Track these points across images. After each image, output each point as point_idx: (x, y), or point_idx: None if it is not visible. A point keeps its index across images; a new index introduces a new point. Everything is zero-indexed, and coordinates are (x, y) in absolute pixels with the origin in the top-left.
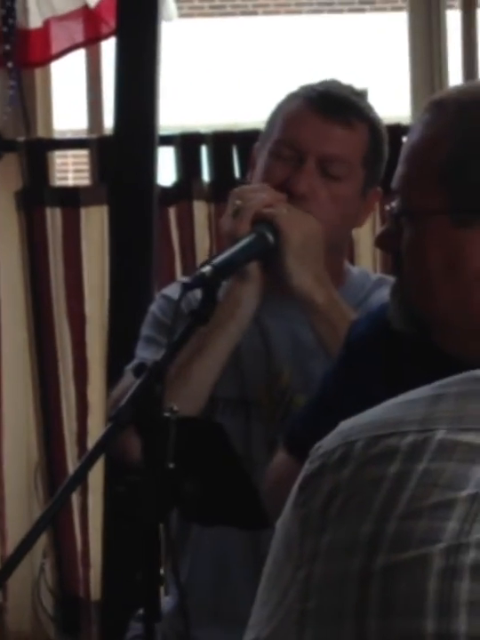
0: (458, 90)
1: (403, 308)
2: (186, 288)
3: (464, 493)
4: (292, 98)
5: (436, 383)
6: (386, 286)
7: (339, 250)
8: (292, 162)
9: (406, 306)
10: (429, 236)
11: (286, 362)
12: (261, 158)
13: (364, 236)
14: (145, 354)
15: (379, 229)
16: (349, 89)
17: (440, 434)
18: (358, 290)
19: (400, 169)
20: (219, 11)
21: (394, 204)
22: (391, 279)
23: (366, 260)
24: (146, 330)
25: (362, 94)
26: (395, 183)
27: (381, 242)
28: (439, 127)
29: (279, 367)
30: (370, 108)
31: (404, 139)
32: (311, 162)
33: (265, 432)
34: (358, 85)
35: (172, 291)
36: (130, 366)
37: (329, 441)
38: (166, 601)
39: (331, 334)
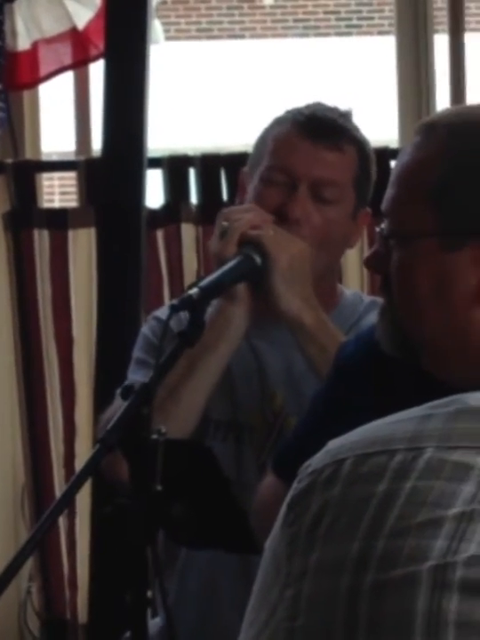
0: (449, 113)
1: (391, 330)
2: (174, 309)
3: (452, 512)
4: (279, 122)
5: (426, 405)
6: (378, 308)
7: (332, 272)
8: (284, 187)
9: (395, 328)
10: (418, 258)
11: (279, 385)
12: (252, 184)
13: (352, 258)
14: (136, 376)
15: (367, 250)
16: (336, 111)
17: (428, 452)
18: (351, 312)
19: (390, 191)
20: (206, 34)
21: (383, 225)
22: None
23: (354, 282)
24: (137, 352)
25: (347, 115)
26: (384, 205)
27: (370, 263)
28: (430, 150)
29: (272, 390)
30: (356, 129)
31: (392, 162)
32: (304, 187)
33: (256, 455)
34: (343, 106)
35: (163, 312)
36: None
37: (318, 459)
38: (154, 623)
39: (320, 356)
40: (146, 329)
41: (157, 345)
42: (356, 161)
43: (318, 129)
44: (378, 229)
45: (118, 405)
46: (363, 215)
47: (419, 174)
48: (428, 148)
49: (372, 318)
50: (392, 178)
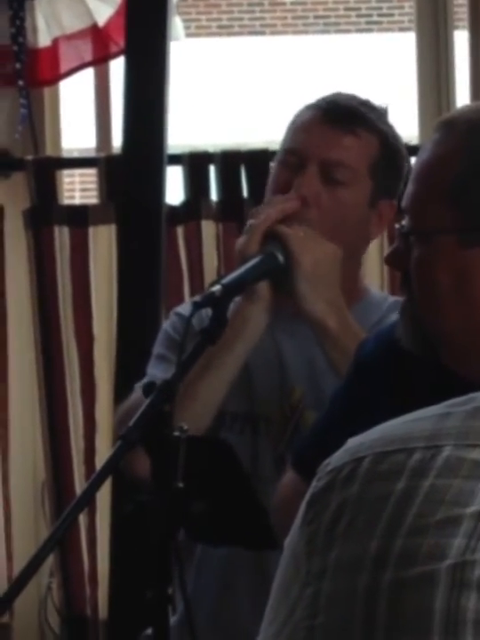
0: (468, 109)
1: (412, 327)
2: (196, 307)
3: (470, 510)
4: (303, 110)
5: (445, 403)
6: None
7: (353, 260)
8: (296, 168)
9: (415, 325)
10: (438, 255)
11: (299, 379)
12: (272, 169)
13: (372, 254)
14: (155, 371)
15: (386, 246)
16: (359, 100)
17: (447, 450)
18: (374, 309)
19: (410, 188)
20: (226, 30)
21: (404, 222)
22: None
23: (374, 278)
24: (158, 347)
25: (373, 107)
26: (404, 202)
27: (391, 260)
28: (449, 147)
29: (292, 384)
30: (381, 121)
31: (412, 159)
32: (312, 166)
33: (273, 448)
34: (379, 102)
35: (185, 309)
36: (140, 383)
37: (337, 458)
38: (172, 620)
39: (342, 359)
40: (167, 325)
41: (178, 341)
42: (376, 150)
43: (335, 113)
44: (398, 226)
45: (136, 398)
46: (385, 206)
47: (438, 171)
48: (447, 145)
49: (394, 317)
50: (412, 175)
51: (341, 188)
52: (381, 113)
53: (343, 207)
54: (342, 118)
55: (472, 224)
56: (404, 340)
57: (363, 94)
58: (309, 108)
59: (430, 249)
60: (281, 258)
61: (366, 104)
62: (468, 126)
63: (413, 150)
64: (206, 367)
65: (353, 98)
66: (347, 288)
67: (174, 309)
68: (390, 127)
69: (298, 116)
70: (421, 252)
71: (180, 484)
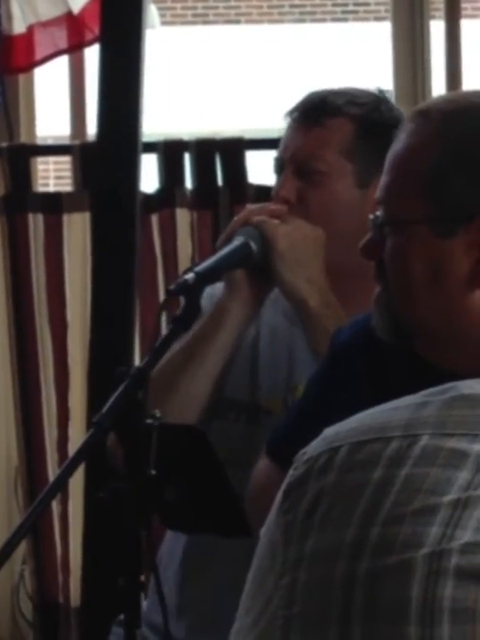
0: (443, 99)
1: (386, 317)
2: (169, 294)
3: (447, 498)
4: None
5: (423, 392)
6: None
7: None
8: (280, 175)
9: (389, 314)
10: (412, 245)
11: (305, 377)
12: None
13: None
14: None
15: None
16: (331, 91)
17: (424, 439)
18: None
19: (384, 179)
20: (201, 19)
21: (378, 213)
22: None
23: None
24: None
25: (344, 92)
26: (379, 193)
27: (365, 250)
28: (423, 136)
29: (297, 381)
30: (353, 103)
31: None
32: (289, 168)
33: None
34: (373, 87)
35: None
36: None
37: (314, 447)
38: (145, 604)
39: (322, 339)
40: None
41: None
42: (348, 133)
43: (302, 112)
44: (372, 217)
45: None
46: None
47: (412, 161)
48: (421, 134)
49: None
50: (386, 166)
51: (320, 180)
52: (359, 96)
53: (328, 198)
54: (308, 114)
55: (446, 214)
56: (379, 330)
57: (331, 86)
58: (286, 114)
59: (404, 239)
60: (254, 245)
61: (336, 92)
62: (443, 116)
63: None
64: (188, 358)
65: (325, 91)
66: (356, 270)
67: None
68: (372, 105)
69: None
70: (395, 242)
71: (153, 471)
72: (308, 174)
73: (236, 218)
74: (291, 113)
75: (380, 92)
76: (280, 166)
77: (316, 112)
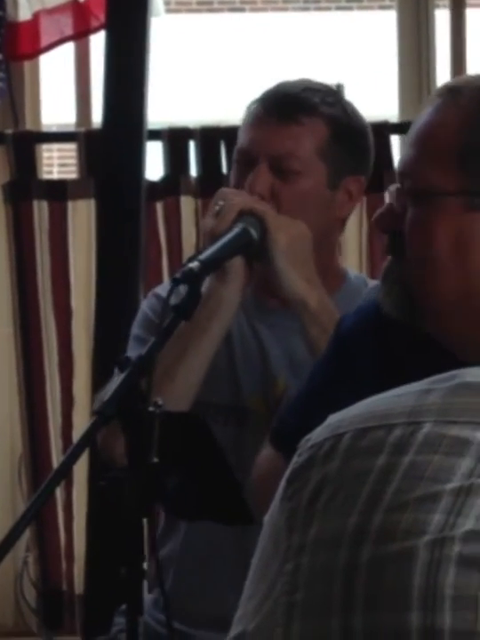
0: (473, 77)
1: (396, 291)
2: (175, 283)
3: (450, 486)
4: (250, 105)
5: (428, 379)
6: None
7: (326, 244)
8: (249, 166)
9: (400, 288)
10: (440, 217)
11: (281, 370)
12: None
13: (351, 236)
14: (134, 354)
15: (365, 227)
16: (303, 86)
17: (427, 427)
18: (355, 295)
19: (410, 151)
20: (206, 7)
21: (397, 185)
22: None
23: (353, 260)
24: (136, 329)
25: (318, 90)
26: (402, 165)
27: (381, 221)
28: (456, 111)
29: (275, 374)
30: (327, 103)
31: (392, 137)
32: (263, 163)
33: (257, 440)
34: (332, 82)
35: (163, 289)
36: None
37: (318, 434)
38: (148, 597)
39: (321, 337)
40: (145, 306)
41: (156, 322)
42: (323, 133)
43: (277, 105)
44: (392, 189)
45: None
46: (351, 182)
47: (444, 135)
48: (453, 109)
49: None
50: (411, 139)
51: (294, 178)
52: (328, 94)
53: (300, 195)
54: (284, 109)
55: (478, 188)
56: (387, 305)
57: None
58: (254, 102)
59: (432, 211)
60: (254, 233)
61: (310, 88)
62: (476, 91)
63: (393, 128)
64: (184, 349)
65: (297, 84)
66: (323, 271)
67: (152, 290)
68: (340, 106)
69: (246, 113)
70: (420, 214)
71: (155, 460)
72: (282, 171)
73: (231, 202)
74: (260, 105)
75: (339, 88)
76: (249, 160)
77: (291, 108)
